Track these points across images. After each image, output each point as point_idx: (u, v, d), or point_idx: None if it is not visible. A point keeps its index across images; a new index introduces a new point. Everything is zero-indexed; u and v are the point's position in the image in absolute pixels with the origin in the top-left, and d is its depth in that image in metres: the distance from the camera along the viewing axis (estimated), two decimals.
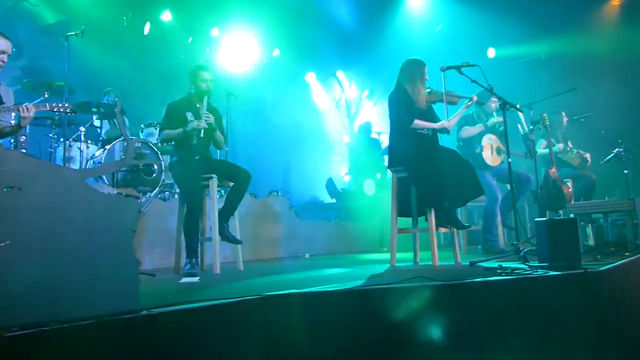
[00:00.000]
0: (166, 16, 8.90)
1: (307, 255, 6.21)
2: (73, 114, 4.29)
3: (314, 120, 11.46)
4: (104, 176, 5.47)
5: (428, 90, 4.30)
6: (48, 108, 4.01)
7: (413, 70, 4.22)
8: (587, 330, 2.59)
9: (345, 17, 10.31)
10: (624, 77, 8.41)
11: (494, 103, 5.34)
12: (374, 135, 9.70)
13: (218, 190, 4.45)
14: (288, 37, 10.04)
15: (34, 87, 5.74)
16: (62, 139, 5.62)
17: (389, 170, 4.55)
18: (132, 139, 5.66)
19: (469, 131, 5.34)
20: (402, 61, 4.39)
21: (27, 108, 3.73)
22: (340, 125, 12.00)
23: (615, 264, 3.12)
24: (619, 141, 6.16)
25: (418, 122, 4.11)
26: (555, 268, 2.90)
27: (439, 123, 4.24)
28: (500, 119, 4.55)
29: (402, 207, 4.25)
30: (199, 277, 3.62)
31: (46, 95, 5.65)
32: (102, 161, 5.55)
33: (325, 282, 2.82)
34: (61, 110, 4.04)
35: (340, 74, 12.02)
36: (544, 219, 3.24)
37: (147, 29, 8.56)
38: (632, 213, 4.50)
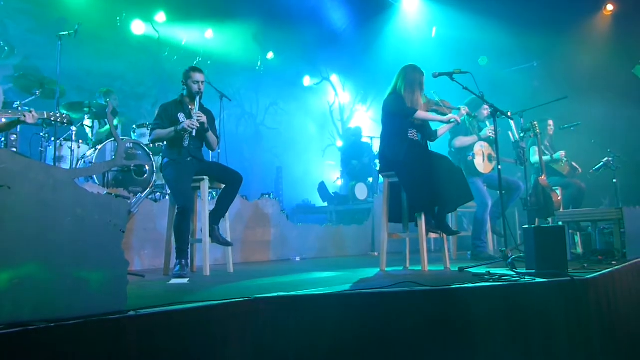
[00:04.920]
0: (160, 17, 8.89)
1: (297, 259, 6.22)
2: (70, 125, 4.32)
3: (307, 124, 11.49)
4: (94, 176, 5.45)
5: (424, 97, 4.32)
6: (46, 116, 4.04)
7: (412, 77, 4.21)
8: (573, 338, 2.62)
9: (339, 22, 10.37)
10: (615, 86, 8.51)
11: (485, 110, 5.38)
12: (365, 140, 9.74)
13: (209, 192, 4.45)
14: (282, 40, 10.07)
15: (26, 86, 5.71)
16: (53, 138, 5.60)
17: (380, 175, 4.57)
18: (123, 139, 5.65)
19: (463, 141, 5.37)
20: (396, 66, 4.38)
21: (32, 115, 3.82)
22: (334, 129, 12.04)
23: (601, 273, 3.15)
24: (608, 150, 6.24)
25: (421, 113, 4.12)
26: (543, 275, 2.93)
27: (447, 116, 4.24)
28: (492, 130, 4.59)
29: (393, 213, 4.27)
30: (188, 279, 3.62)
31: (38, 94, 5.64)
32: (93, 161, 5.53)
33: (315, 286, 2.83)
34: (58, 120, 4.06)
35: (334, 78, 12.06)
36: (532, 226, 3.27)
37: (136, 29, 8.54)
38: (620, 222, 4.53)
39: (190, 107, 4.27)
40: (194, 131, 4.09)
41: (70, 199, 1.88)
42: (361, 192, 8.76)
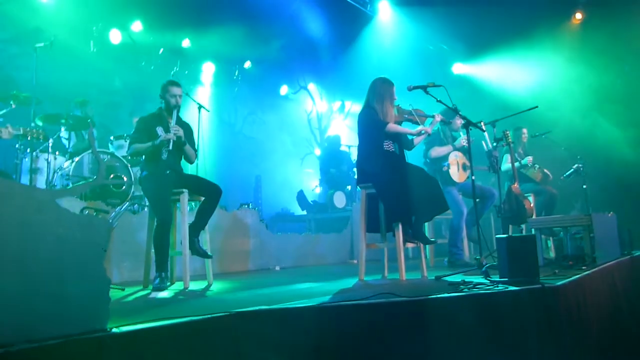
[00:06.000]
0: (136, 26, 8.85)
1: (277, 268, 6.25)
2: (45, 140, 4.33)
3: (285, 133, 11.54)
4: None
5: (396, 108, 4.42)
6: (22, 132, 4.04)
7: (382, 89, 4.31)
8: (544, 344, 2.71)
9: (316, 31, 10.46)
10: (585, 94, 8.76)
11: (459, 120, 5.50)
12: (343, 148, 9.83)
13: (188, 203, 4.46)
14: (260, 50, 10.11)
15: (0, 97, 5.65)
16: (28, 150, 5.56)
17: (358, 186, 4.64)
18: (103, 158, 5.62)
19: (438, 151, 5.51)
20: (374, 75, 4.49)
21: (8, 131, 3.81)
22: (312, 137, 12.11)
23: (571, 279, 3.27)
24: (578, 157, 6.43)
25: (392, 126, 4.22)
26: (515, 283, 3.03)
27: (418, 128, 4.34)
28: (466, 139, 4.71)
29: (371, 223, 4.34)
30: (168, 292, 3.63)
31: (13, 106, 5.59)
32: (70, 173, 5.49)
33: (295, 298, 2.88)
34: (34, 136, 4.07)
35: (311, 86, 12.14)
36: (504, 235, 3.37)
37: (113, 38, 8.49)
38: (589, 227, 4.68)
39: (168, 120, 4.29)
40: (171, 144, 4.12)
41: (52, 219, 1.90)
42: (339, 200, 8.85)
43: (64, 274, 1.88)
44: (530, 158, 6.31)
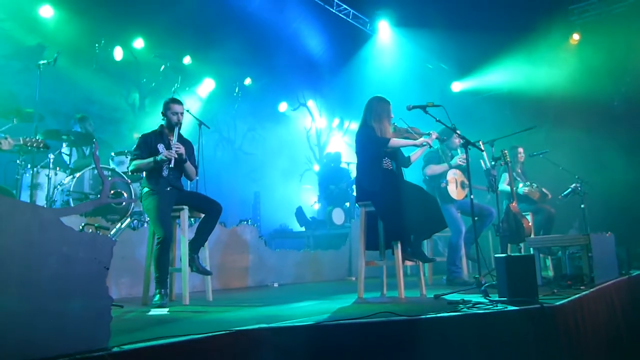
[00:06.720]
0: (138, 43, 8.94)
1: (275, 285, 6.24)
2: (46, 149, 4.35)
3: (285, 149, 11.60)
4: (71, 205, 5.42)
5: (393, 126, 4.46)
6: (22, 142, 4.06)
7: (379, 108, 4.36)
8: None
9: (316, 48, 10.57)
10: (585, 114, 8.83)
11: (457, 139, 5.54)
12: (343, 165, 9.88)
13: (188, 220, 4.48)
14: (260, 67, 10.21)
15: (2, 113, 5.68)
16: (29, 166, 5.57)
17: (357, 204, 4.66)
18: (106, 174, 5.64)
19: (434, 170, 5.54)
20: (371, 94, 4.53)
21: (8, 142, 3.82)
22: (310, 154, 12.17)
23: (570, 299, 3.28)
24: (576, 177, 6.48)
25: (395, 141, 4.25)
26: (514, 303, 3.04)
27: (419, 139, 4.37)
28: (463, 158, 4.75)
29: (370, 240, 4.36)
30: (168, 309, 3.63)
31: (14, 122, 5.61)
32: (71, 189, 5.51)
33: (295, 315, 2.89)
34: (34, 145, 4.08)
35: (310, 103, 12.23)
36: (503, 255, 3.38)
37: (116, 54, 8.57)
38: (587, 247, 4.70)
39: (169, 137, 4.33)
40: (173, 162, 4.15)
41: (56, 238, 1.92)
42: (338, 217, 8.86)
43: (67, 293, 1.90)
44: (526, 189, 6.35)
